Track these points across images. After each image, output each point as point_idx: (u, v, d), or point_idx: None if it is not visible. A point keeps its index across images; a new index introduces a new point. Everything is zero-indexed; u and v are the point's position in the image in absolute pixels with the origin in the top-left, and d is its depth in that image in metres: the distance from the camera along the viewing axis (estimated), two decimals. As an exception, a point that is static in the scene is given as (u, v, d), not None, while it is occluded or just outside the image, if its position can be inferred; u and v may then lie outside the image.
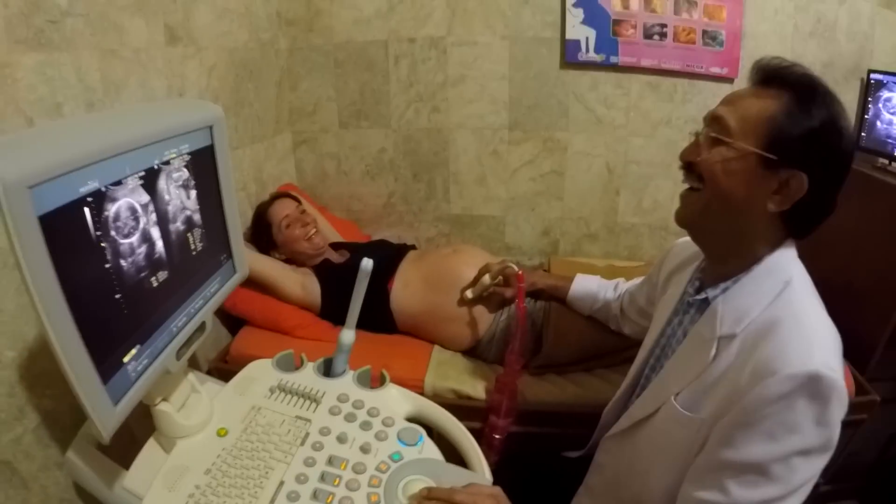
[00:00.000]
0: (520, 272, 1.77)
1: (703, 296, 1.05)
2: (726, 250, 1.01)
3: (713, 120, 0.97)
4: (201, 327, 1.07)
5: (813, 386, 0.82)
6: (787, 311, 0.92)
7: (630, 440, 1.16)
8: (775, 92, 0.93)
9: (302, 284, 2.01)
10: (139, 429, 1.14)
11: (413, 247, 2.26)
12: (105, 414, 0.80)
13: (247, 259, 1.61)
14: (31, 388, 1.21)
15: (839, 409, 0.84)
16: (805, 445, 0.84)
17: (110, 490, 1.05)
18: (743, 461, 0.87)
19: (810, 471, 0.87)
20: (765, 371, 0.85)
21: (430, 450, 1.12)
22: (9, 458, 1.17)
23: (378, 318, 1.92)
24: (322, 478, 1.01)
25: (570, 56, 2.41)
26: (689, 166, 1.00)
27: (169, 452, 1.05)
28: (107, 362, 0.81)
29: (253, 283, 1.93)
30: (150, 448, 1.09)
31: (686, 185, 1.03)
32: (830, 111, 0.91)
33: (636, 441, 1.14)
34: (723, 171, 0.94)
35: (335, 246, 2.27)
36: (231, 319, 2.02)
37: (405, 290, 1.97)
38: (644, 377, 1.24)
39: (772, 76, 0.96)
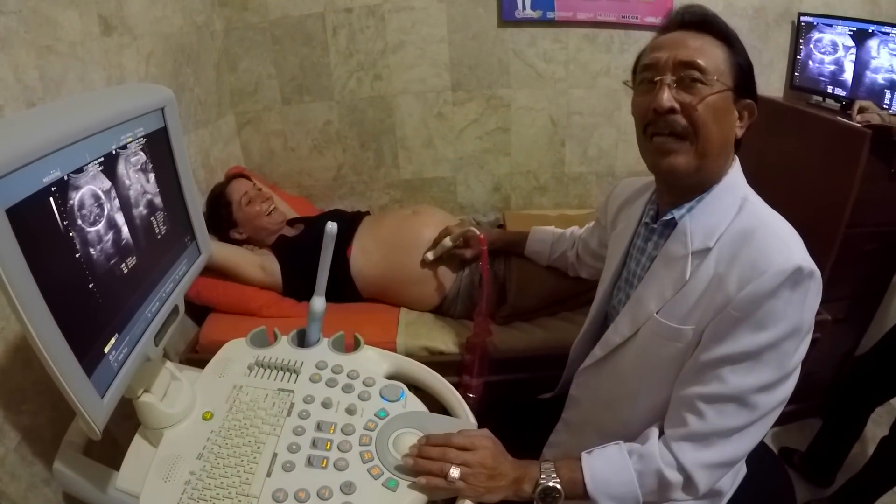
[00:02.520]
0: (481, 235, 1.80)
1: (668, 217, 1.10)
2: (700, 182, 1.07)
3: (685, 65, 1.00)
4: (175, 311, 1.07)
5: (797, 276, 0.92)
6: (755, 220, 1.01)
7: (608, 368, 1.21)
8: (714, 35, 1.03)
9: (261, 266, 1.99)
10: (119, 431, 1.13)
11: (367, 213, 2.25)
12: (93, 408, 0.79)
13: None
14: (7, 407, 1.18)
15: (817, 294, 0.95)
16: (791, 329, 0.94)
17: (104, 493, 1.04)
18: (737, 352, 0.96)
19: (798, 354, 0.97)
20: (753, 272, 0.94)
21: (414, 403, 1.15)
22: (-6, 483, 1.14)
23: (340, 287, 1.92)
24: (314, 444, 1.03)
25: (507, 14, 2.42)
26: (671, 112, 1.01)
27: (157, 445, 1.05)
28: (89, 355, 0.80)
29: (214, 270, 1.92)
30: (137, 444, 1.08)
31: (658, 139, 1.04)
32: (744, 47, 1.05)
33: (617, 367, 1.19)
34: (714, 112, 1.00)
35: (290, 222, 2.25)
36: (196, 309, 2.00)
37: (364, 256, 1.98)
38: (611, 307, 1.29)
39: (706, 22, 1.04)
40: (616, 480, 1.03)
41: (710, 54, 1.00)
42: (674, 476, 1.00)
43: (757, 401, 0.97)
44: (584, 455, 1.06)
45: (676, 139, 1.02)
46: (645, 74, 1.06)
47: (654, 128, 1.04)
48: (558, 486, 1.03)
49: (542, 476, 1.04)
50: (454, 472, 0.97)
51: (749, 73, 1.03)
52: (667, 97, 1.00)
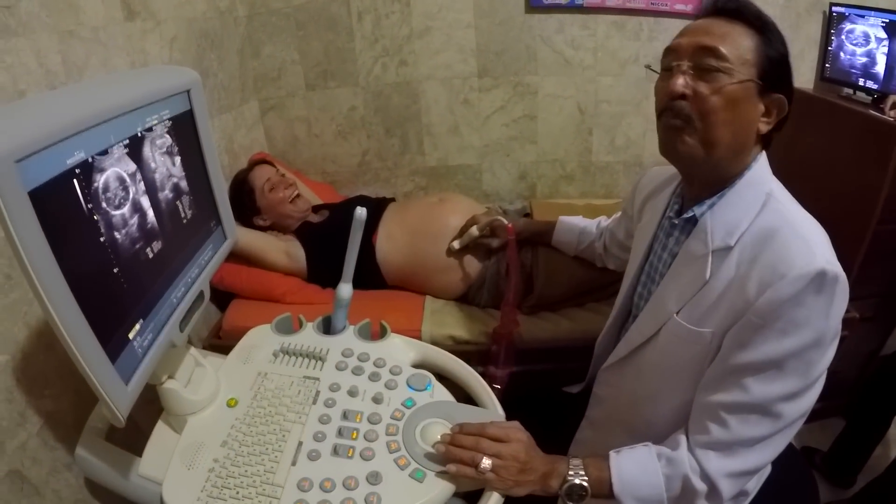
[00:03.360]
0: (510, 225, 1.78)
1: (689, 214, 1.07)
2: (717, 174, 1.03)
3: (704, 51, 0.96)
4: (200, 296, 1.05)
5: (819, 281, 0.87)
6: (778, 219, 0.96)
7: (631, 367, 1.19)
8: (745, 24, 0.97)
9: (286, 252, 1.98)
10: (142, 417, 1.13)
11: (392, 199, 2.24)
12: (118, 395, 0.78)
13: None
14: (30, 391, 1.18)
15: (843, 299, 0.91)
16: (816, 337, 0.90)
17: (126, 480, 1.03)
18: (760, 360, 0.92)
19: (824, 362, 0.93)
20: (773, 276, 0.90)
21: (441, 392, 1.13)
22: (17, 467, 1.14)
23: (366, 273, 1.90)
24: (339, 433, 1.02)
25: (534, 0, 2.38)
26: (683, 98, 0.98)
27: (181, 432, 1.04)
28: (113, 340, 0.79)
29: (238, 256, 1.92)
30: (161, 431, 1.07)
31: (667, 120, 1.01)
32: (783, 39, 0.99)
33: (639, 366, 1.16)
34: (728, 102, 0.95)
35: (314, 208, 2.24)
36: (219, 295, 1.99)
37: (390, 243, 1.96)
38: (634, 305, 1.27)
39: (737, 11, 0.98)
40: (643, 482, 1.01)
41: (735, 42, 0.95)
42: (699, 484, 0.98)
43: (781, 410, 0.94)
44: (612, 454, 1.05)
45: (683, 122, 0.99)
46: (666, 59, 1.03)
47: (667, 113, 1.01)
48: (585, 484, 1.01)
49: (570, 473, 1.02)
50: (486, 463, 0.96)
51: (781, 66, 0.98)
52: (680, 83, 0.97)
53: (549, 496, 1.03)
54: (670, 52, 1.02)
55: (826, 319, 0.89)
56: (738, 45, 0.95)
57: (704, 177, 1.05)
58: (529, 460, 1.00)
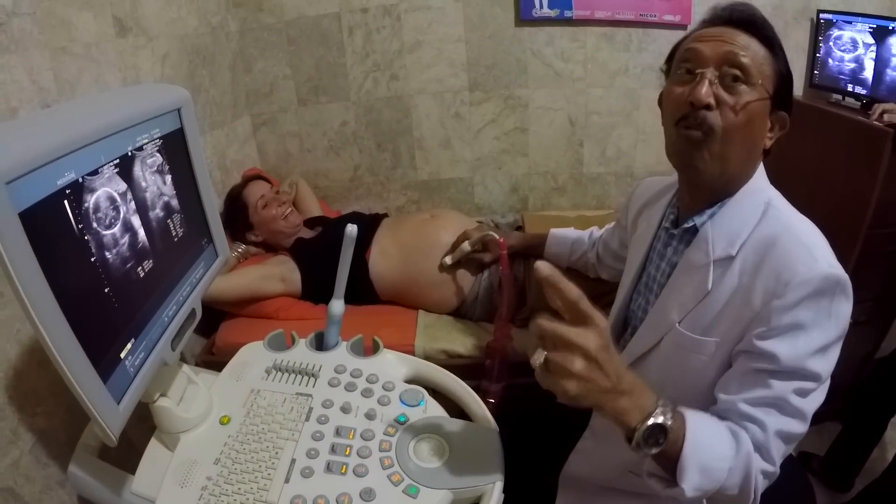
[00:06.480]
0: (501, 239, 1.78)
1: (689, 224, 1.06)
2: (723, 187, 1.02)
3: (730, 63, 0.94)
4: (192, 314, 1.05)
5: (823, 285, 0.88)
6: (779, 227, 0.96)
7: None
8: (757, 36, 0.96)
9: (281, 278, 1.96)
10: (135, 433, 1.12)
11: (385, 215, 2.24)
12: (109, 414, 0.78)
13: (221, 285, 1.67)
14: (22, 409, 1.17)
15: (847, 301, 0.91)
16: (826, 340, 0.90)
17: (119, 497, 1.03)
18: (777, 366, 0.90)
19: (833, 360, 0.93)
20: (777, 284, 0.90)
21: (434, 408, 1.13)
22: (10, 484, 1.14)
23: (359, 289, 1.90)
24: (333, 449, 1.01)
25: (524, 13, 2.40)
26: (708, 108, 0.95)
27: (174, 449, 1.03)
28: (104, 360, 0.78)
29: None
30: (154, 448, 1.06)
31: (686, 131, 0.98)
32: (786, 55, 0.99)
33: (642, 377, 1.14)
34: (749, 118, 0.95)
35: (310, 222, 2.25)
36: (211, 313, 1.96)
37: (384, 259, 1.96)
38: (631, 316, 1.24)
39: (752, 24, 0.97)
40: (712, 447, 0.88)
41: (756, 55, 0.94)
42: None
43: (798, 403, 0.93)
44: (685, 410, 0.88)
45: (704, 134, 0.96)
46: (686, 64, 1.00)
47: (686, 122, 0.97)
48: (669, 424, 0.83)
49: (658, 410, 0.83)
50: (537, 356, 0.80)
51: (789, 83, 0.99)
52: (706, 92, 0.94)
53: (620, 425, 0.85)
54: (691, 59, 0.99)
55: (830, 320, 0.89)
56: (758, 58, 0.95)
57: (710, 189, 1.03)
58: (604, 359, 0.77)
